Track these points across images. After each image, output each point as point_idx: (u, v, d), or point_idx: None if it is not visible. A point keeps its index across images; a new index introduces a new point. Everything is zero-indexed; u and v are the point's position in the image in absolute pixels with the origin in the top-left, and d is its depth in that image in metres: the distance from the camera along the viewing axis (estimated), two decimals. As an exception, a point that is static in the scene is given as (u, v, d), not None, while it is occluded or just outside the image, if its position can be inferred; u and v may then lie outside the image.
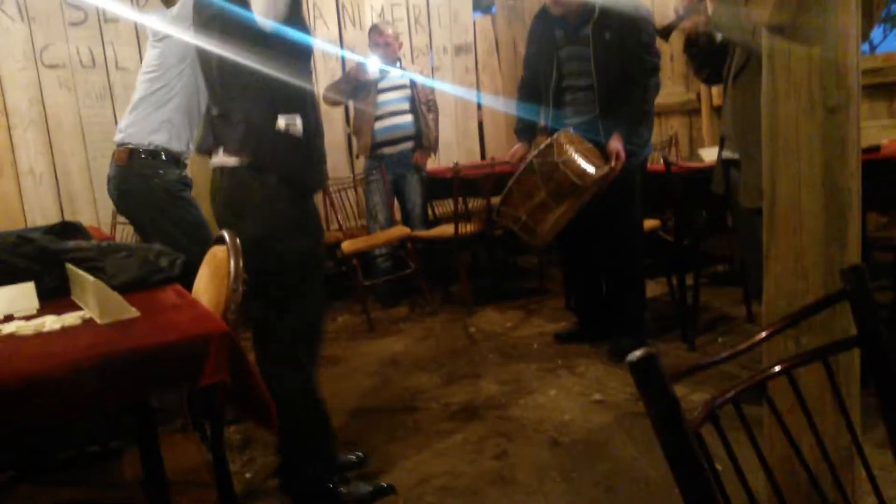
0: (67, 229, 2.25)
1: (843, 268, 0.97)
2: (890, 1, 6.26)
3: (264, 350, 2.13)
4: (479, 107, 5.83)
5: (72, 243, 1.88)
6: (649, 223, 3.60)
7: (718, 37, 2.42)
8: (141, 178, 2.81)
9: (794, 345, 1.61)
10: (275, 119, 2.01)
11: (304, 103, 2.08)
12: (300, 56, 2.08)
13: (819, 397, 1.43)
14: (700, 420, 0.73)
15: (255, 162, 2.03)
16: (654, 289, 3.97)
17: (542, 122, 3.33)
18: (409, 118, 4.49)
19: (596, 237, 3.21)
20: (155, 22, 2.87)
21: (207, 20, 2.05)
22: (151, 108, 2.83)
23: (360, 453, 2.46)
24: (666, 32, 2.54)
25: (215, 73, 2.09)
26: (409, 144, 4.50)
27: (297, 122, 2.04)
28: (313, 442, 2.16)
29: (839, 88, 1.45)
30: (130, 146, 2.82)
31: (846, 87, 1.45)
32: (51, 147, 4.32)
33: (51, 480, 1.60)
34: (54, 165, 4.34)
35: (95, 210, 4.39)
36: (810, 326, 1.49)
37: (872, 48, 6.73)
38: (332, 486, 2.16)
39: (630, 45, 2.99)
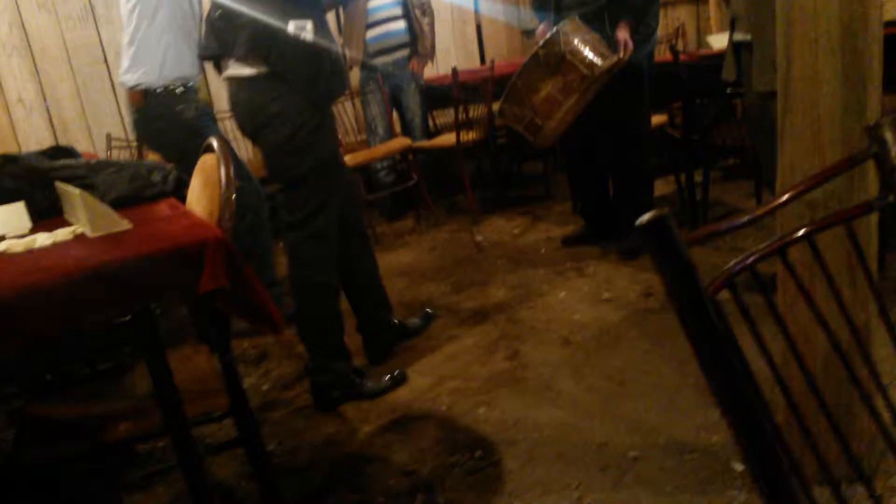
0: (59, 153, 2.19)
1: (869, 125, 0.90)
2: None
3: (295, 257, 2.20)
4: (476, 9, 5.59)
5: (60, 162, 1.83)
6: (656, 119, 3.49)
7: None
8: (162, 121, 2.79)
9: (808, 221, 1.56)
10: (285, 23, 1.97)
11: (313, 8, 2.01)
12: None
13: (837, 269, 1.38)
14: (718, 285, 0.69)
15: (269, 70, 2.00)
16: (661, 187, 3.89)
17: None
18: (402, 24, 4.30)
19: (601, 135, 3.10)
20: None
21: None
22: (148, 43, 2.73)
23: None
24: None
25: None
26: (404, 52, 4.33)
27: (308, 27, 1.98)
28: (337, 339, 2.27)
29: (861, -56, 1.33)
30: (143, 87, 2.77)
31: (869, -57, 1.33)
32: (37, 73, 4.19)
33: (63, 397, 1.61)
34: (43, 93, 4.22)
35: (90, 136, 4.31)
36: (826, 200, 1.43)
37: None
38: (354, 378, 2.29)
39: None
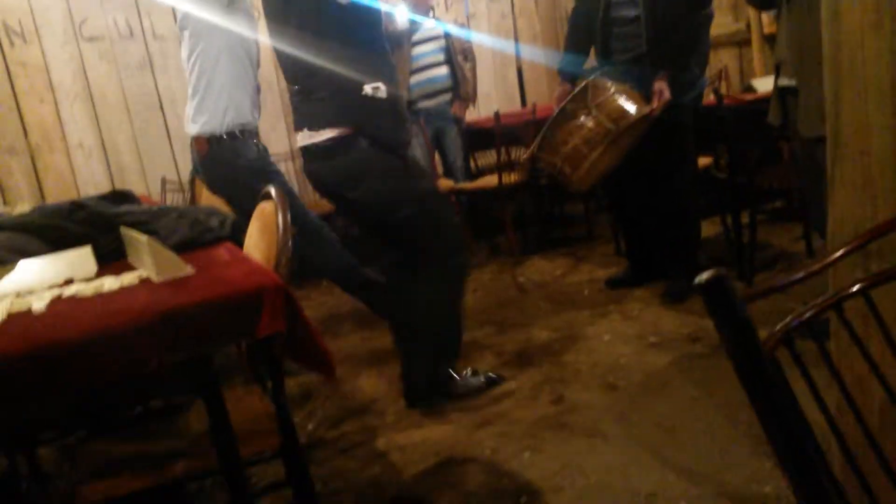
0: (118, 197, 2.29)
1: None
2: None
3: (410, 289, 2.37)
4: (518, 53, 5.69)
5: (124, 207, 1.92)
6: (702, 160, 3.48)
7: None
8: (225, 166, 2.92)
9: (861, 273, 1.54)
10: (361, 86, 2.11)
11: (383, 67, 2.15)
12: (373, 22, 2.15)
13: (892, 321, 1.36)
14: (776, 342, 0.70)
15: (348, 130, 2.14)
16: (707, 229, 3.86)
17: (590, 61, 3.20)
18: (444, 70, 4.41)
19: (646, 178, 3.11)
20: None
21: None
22: (210, 92, 2.88)
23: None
24: None
25: (292, 48, 2.15)
26: (446, 96, 4.43)
27: (381, 87, 2.11)
28: (448, 347, 2.47)
29: (909, -5, 1.34)
30: (206, 135, 2.90)
31: (917, -7, 1.34)
32: (97, 120, 4.40)
33: (121, 436, 1.66)
34: (102, 138, 4.42)
35: (145, 180, 4.48)
36: (880, 252, 1.41)
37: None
38: (452, 375, 2.48)
39: None
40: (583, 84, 2.85)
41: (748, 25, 4.43)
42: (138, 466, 1.47)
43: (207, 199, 3.23)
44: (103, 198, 2.22)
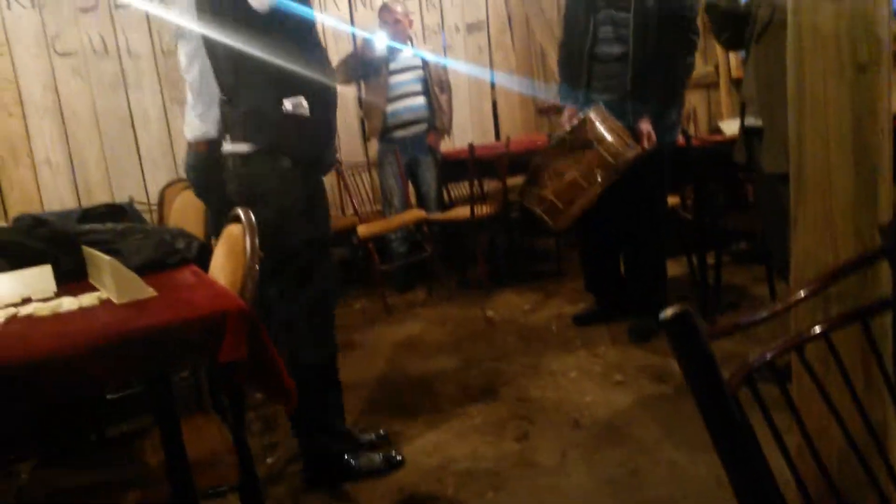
0: (114, 212, 2.24)
1: (882, 225, 0.93)
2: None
3: (279, 327, 2.14)
4: (493, 86, 5.77)
5: (87, 226, 1.88)
6: (669, 201, 3.54)
7: (742, 1, 2.35)
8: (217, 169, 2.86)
9: (822, 315, 1.57)
10: (280, 102, 2.01)
11: (309, 82, 2.06)
12: (302, 33, 2.07)
13: (852, 365, 1.38)
14: (739, 381, 0.70)
15: (266, 146, 2.03)
16: (673, 268, 3.91)
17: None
18: (421, 100, 4.44)
19: (616, 217, 3.13)
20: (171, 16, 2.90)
21: (206, 5, 2.04)
22: (212, 99, 2.85)
23: (382, 431, 2.46)
24: None
25: (220, 59, 2.08)
26: (422, 126, 4.45)
27: (304, 103, 2.03)
28: (325, 415, 2.20)
29: (869, 45, 1.39)
30: (207, 137, 2.85)
31: (877, 44, 1.39)
32: (66, 136, 4.33)
33: (73, 464, 1.60)
34: (70, 154, 4.34)
35: (112, 198, 4.39)
36: (840, 295, 1.44)
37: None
38: (345, 457, 2.22)
39: (672, 18, 2.85)
40: (581, 116, 2.87)
41: (716, 68, 4.55)
42: (88, 498, 1.41)
43: (175, 219, 3.18)
44: (94, 210, 2.18)
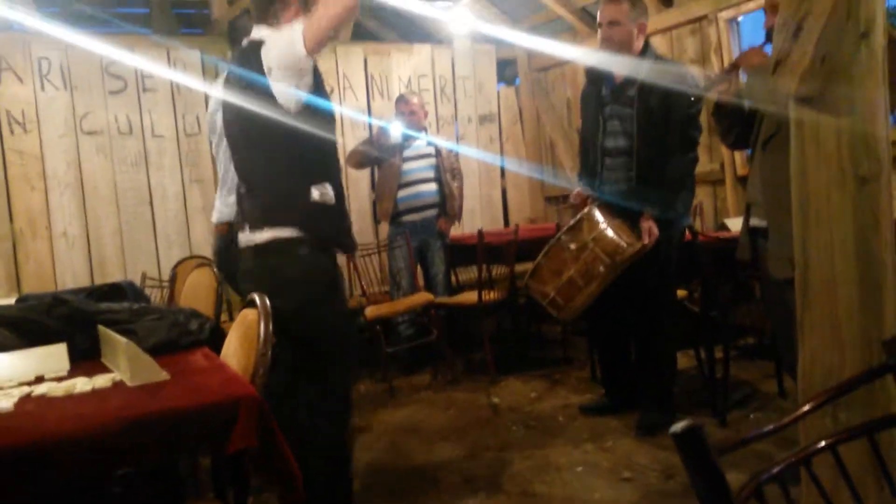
0: (115, 291, 2.28)
1: (884, 339, 0.95)
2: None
3: (297, 413, 2.14)
4: (503, 174, 5.92)
5: (104, 305, 1.91)
6: (677, 293, 3.56)
7: (746, 104, 2.45)
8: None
9: (831, 422, 1.56)
10: (307, 189, 2.07)
11: (332, 170, 2.14)
12: (325, 125, 2.16)
13: (861, 477, 1.37)
14: (747, 496, 0.71)
15: (291, 232, 2.07)
16: (681, 360, 3.88)
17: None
18: (433, 186, 4.55)
19: (625, 307, 3.15)
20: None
21: (234, 94, 2.14)
22: (230, 189, 2.97)
23: None
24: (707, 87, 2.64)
25: (243, 149, 2.16)
26: (433, 212, 4.55)
27: (329, 190, 2.10)
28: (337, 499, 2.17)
29: (870, 159, 1.45)
30: (225, 220, 3.02)
31: (877, 158, 1.45)
32: (85, 210, 4.43)
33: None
34: (87, 229, 4.44)
35: (125, 273, 4.46)
36: (848, 402, 1.44)
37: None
38: None
39: (675, 115, 2.95)
40: (578, 216, 2.94)
41: (722, 166, 4.66)
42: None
43: (186, 298, 3.22)
44: (98, 290, 2.22)
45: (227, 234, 3.00)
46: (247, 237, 2.14)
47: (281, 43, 2.01)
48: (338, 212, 2.12)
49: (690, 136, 3.01)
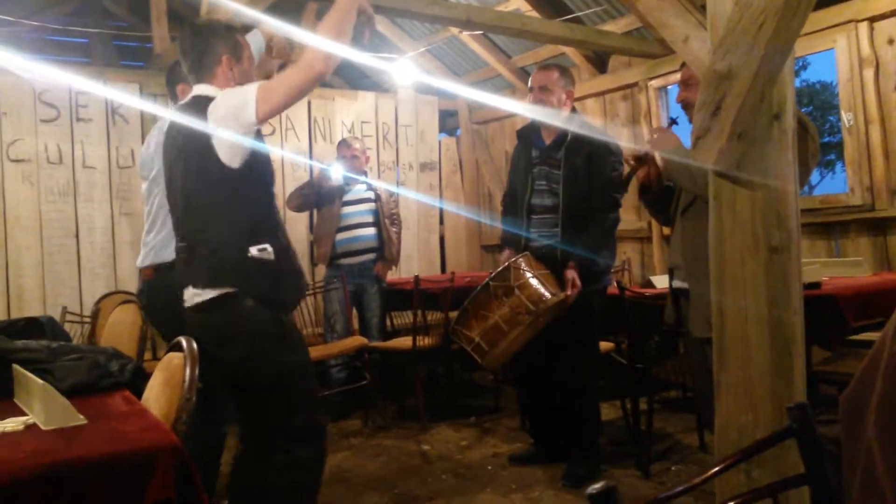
0: (32, 326, 2.19)
1: (789, 404, 1.01)
2: (823, 151, 6.78)
3: (265, 461, 2.13)
4: (442, 221, 5.99)
5: (21, 343, 1.83)
6: (604, 345, 3.65)
7: (665, 182, 2.59)
8: (167, 291, 2.74)
9: (745, 478, 1.63)
10: (246, 248, 2.06)
11: (274, 227, 2.13)
12: (265, 182, 2.16)
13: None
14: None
15: (231, 290, 2.06)
16: (608, 411, 3.97)
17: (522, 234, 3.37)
18: (371, 231, 4.57)
19: (551, 359, 3.22)
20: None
21: (176, 150, 2.13)
22: (166, 230, 2.88)
23: None
24: (624, 183, 2.87)
25: (182, 206, 2.13)
26: (371, 256, 4.56)
27: (268, 248, 2.08)
28: None
29: (781, 229, 1.56)
30: (153, 264, 2.86)
31: (787, 229, 1.56)
32: (5, 240, 4.25)
33: None
34: (7, 260, 4.25)
35: (44, 307, 4.27)
36: (761, 461, 1.51)
37: (811, 188, 7.20)
38: None
39: (597, 178, 3.10)
40: (506, 264, 3.01)
41: (650, 224, 4.86)
42: None
43: (108, 335, 3.11)
44: (13, 325, 2.13)
45: (152, 278, 2.89)
46: (190, 296, 2.11)
47: (231, 104, 1.99)
48: (277, 269, 2.10)
49: (612, 197, 3.16)
